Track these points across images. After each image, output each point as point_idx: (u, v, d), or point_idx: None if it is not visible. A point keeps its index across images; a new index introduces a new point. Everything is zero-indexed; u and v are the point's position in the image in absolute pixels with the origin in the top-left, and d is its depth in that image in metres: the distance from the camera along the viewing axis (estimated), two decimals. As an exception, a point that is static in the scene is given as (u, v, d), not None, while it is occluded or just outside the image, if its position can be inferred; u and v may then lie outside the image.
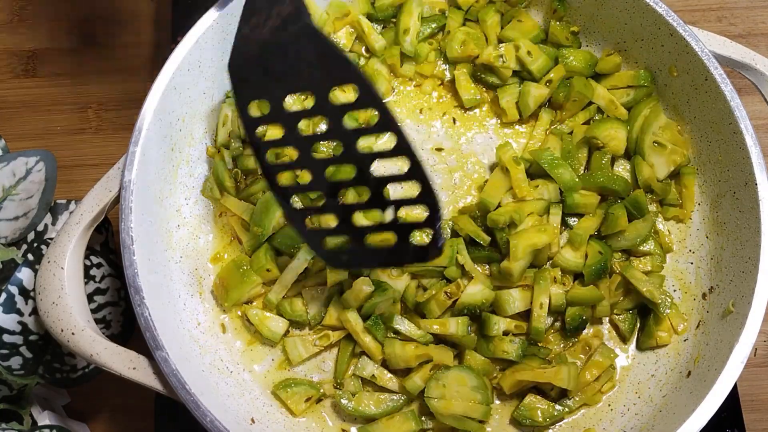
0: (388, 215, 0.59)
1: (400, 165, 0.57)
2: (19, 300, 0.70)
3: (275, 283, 0.74)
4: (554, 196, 0.75)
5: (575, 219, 0.76)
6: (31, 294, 0.70)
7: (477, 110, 0.82)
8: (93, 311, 0.73)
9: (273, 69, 0.57)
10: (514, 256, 0.70)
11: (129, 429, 0.81)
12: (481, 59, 0.80)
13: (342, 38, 0.81)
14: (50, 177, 0.77)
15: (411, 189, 0.58)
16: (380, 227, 0.61)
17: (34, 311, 0.70)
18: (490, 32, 0.82)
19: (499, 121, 0.82)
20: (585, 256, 0.74)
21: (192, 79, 0.73)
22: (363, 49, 0.82)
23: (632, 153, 0.78)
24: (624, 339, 0.74)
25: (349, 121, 0.56)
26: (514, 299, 0.71)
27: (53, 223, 0.80)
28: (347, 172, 0.60)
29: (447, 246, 0.71)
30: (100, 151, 0.90)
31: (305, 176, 0.60)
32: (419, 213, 0.59)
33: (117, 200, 0.67)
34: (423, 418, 0.71)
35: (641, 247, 0.75)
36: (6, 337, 0.69)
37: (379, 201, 0.59)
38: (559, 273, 0.72)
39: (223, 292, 0.73)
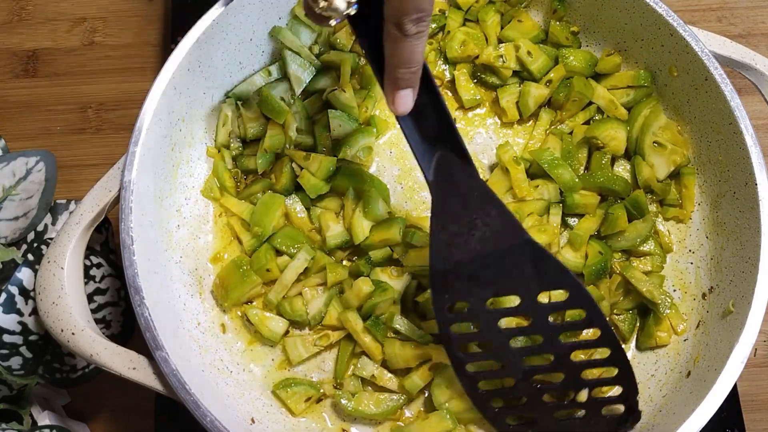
0: (583, 396, 0.62)
1: (603, 353, 0.59)
2: (19, 300, 0.70)
3: (275, 283, 0.74)
4: (554, 196, 0.75)
5: (575, 219, 0.76)
6: (31, 294, 0.70)
7: (477, 110, 0.82)
8: (93, 311, 0.73)
9: (481, 276, 0.59)
10: None
11: (129, 429, 0.81)
12: (481, 59, 0.80)
13: (341, 38, 0.81)
14: (50, 177, 0.77)
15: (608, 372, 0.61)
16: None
17: (34, 311, 0.70)
18: (490, 32, 0.82)
19: (498, 121, 0.82)
20: (585, 256, 0.74)
21: (192, 79, 0.73)
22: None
23: (632, 153, 0.78)
24: (624, 339, 0.74)
25: (553, 317, 0.60)
26: (514, 299, 0.71)
27: (53, 223, 0.80)
28: (545, 359, 0.62)
29: None
30: (100, 151, 0.90)
31: (498, 365, 0.63)
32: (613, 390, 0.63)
33: (117, 200, 0.67)
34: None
35: (641, 248, 0.75)
36: (6, 337, 0.69)
37: (574, 382, 0.62)
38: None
39: (223, 292, 0.73)
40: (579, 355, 0.67)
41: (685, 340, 0.73)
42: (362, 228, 0.73)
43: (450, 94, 0.83)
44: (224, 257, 0.76)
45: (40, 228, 0.79)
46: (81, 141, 0.91)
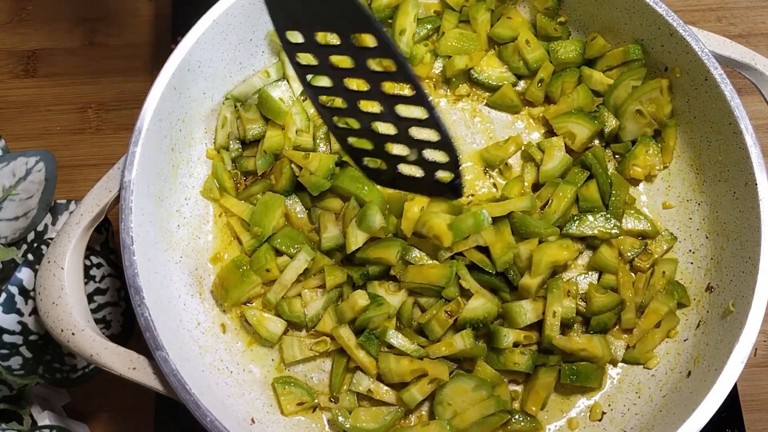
0: (413, 154, 0.64)
1: (419, 113, 0.60)
2: (19, 300, 0.70)
3: (275, 283, 0.73)
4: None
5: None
6: (31, 294, 0.70)
7: (477, 118, 0.82)
8: (93, 311, 0.73)
9: (304, 4, 0.59)
10: (536, 271, 0.70)
11: (129, 429, 0.81)
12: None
13: (336, 39, 0.80)
14: (50, 177, 0.77)
15: (429, 134, 0.61)
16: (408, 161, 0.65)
17: (34, 311, 0.70)
18: (480, 30, 0.82)
19: (494, 126, 0.82)
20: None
21: (192, 79, 0.73)
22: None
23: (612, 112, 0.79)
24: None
25: (374, 65, 0.59)
26: (526, 311, 0.71)
27: (53, 223, 0.80)
28: (375, 106, 0.63)
29: (446, 266, 0.70)
30: (100, 151, 0.90)
31: (341, 103, 0.64)
32: (441, 155, 0.62)
33: (117, 200, 0.67)
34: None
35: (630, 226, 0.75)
36: (6, 337, 0.69)
37: (407, 139, 0.63)
38: (575, 287, 0.72)
39: (223, 291, 0.73)
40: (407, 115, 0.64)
41: (685, 340, 0.73)
42: (355, 238, 0.72)
43: (444, 91, 0.83)
44: (224, 257, 0.76)
45: (40, 228, 0.79)
46: (81, 141, 0.91)
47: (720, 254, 0.73)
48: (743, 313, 0.66)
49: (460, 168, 0.63)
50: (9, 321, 0.69)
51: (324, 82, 0.64)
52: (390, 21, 0.83)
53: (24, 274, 0.70)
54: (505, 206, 0.73)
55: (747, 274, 0.68)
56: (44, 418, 0.74)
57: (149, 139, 0.68)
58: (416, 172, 0.65)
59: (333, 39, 0.60)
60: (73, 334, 0.64)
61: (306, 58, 0.63)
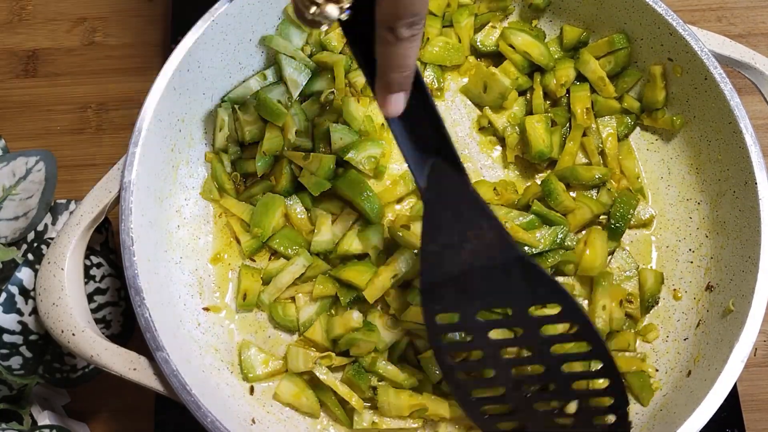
0: (572, 407, 0.62)
1: (594, 365, 0.60)
2: (19, 300, 0.70)
3: (269, 285, 0.73)
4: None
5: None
6: (31, 294, 0.70)
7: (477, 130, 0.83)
8: (93, 311, 0.73)
9: (471, 289, 0.59)
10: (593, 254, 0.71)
11: (129, 429, 0.81)
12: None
13: (333, 40, 0.81)
14: (50, 177, 0.77)
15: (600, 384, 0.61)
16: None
17: (34, 311, 0.70)
18: (463, 35, 0.81)
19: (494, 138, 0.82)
20: None
21: (192, 79, 0.73)
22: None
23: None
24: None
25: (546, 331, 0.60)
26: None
27: (53, 223, 0.80)
28: (535, 369, 0.62)
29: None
30: (100, 151, 0.90)
31: (489, 373, 0.63)
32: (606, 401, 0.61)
33: (117, 201, 0.67)
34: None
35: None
36: (6, 337, 0.69)
37: (564, 392, 0.62)
38: (626, 293, 0.73)
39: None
40: (572, 366, 0.67)
41: (685, 339, 0.73)
42: (349, 244, 0.72)
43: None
44: (224, 258, 0.76)
45: (40, 228, 0.79)
46: (81, 141, 0.91)
47: (720, 253, 0.73)
48: (743, 312, 0.66)
49: (628, 408, 0.61)
50: (9, 321, 0.69)
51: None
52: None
53: (24, 274, 0.70)
54: None
55: (747, 273, 0.68)
56: (44, 418, 0.74)
57: (149, 140, 0.68)
58: (566, 423, 0.63)
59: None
60: (73, 335, 0.64)
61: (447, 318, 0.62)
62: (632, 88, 0.81)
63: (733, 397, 0.76)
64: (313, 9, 0.53)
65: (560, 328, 0.66)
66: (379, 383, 0.70)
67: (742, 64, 0.74)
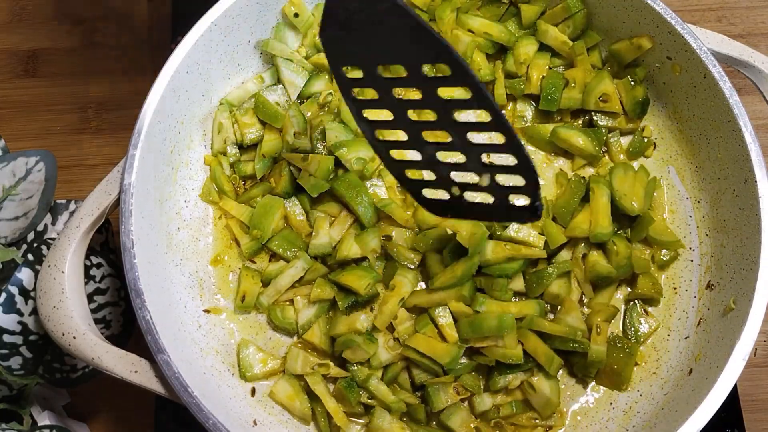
0: (485, 180, 0.61)
1: (495, 138, 0.57)
2: (19, 300, 0.70)
3: (268, 287, 0.73)
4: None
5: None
6: (31, 294, 0.70)
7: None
8: (93, 311, 0.73)
9: (364, 39, 0.57)
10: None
11: (129, 429, 0.81)
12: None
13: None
14: (50, 177, 0.77)
15: (506, 159, 0.58)
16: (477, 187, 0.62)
17: (34, 311, 0.70)
18: (446, 29, 0.81)
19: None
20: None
21: (191, 81, 0.73)
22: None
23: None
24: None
25: (444, 92, 0.57)
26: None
27: (53, 223, 0.80)
28: (443, 136, 0.60)
29: (455, 346, 0.69)
30: (100, 151, 0.90)
31: (401, 136, 0.62)
32: (516, 179, 0.59)
33: (117, 203, 0.67)
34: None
35: None
36: (6, 337, 0.69)
37: (477, 165, 0.60)
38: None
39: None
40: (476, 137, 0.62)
41: (686, 338, 0.73)
42: (348, 249, 0.72)
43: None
44: (224, 259, 0.76)
45: (40, 228, 0.79)
46: (81, 141, 0.91)
47: (720, 252, 0.73)
48: (744, 310, 0.66)
49: (539, 190, 0.59)
50: (9, 321, 0.69)
51: (382, 115, 0.61)
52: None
53: (24, 275, 0.70)
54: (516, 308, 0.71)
55: (747, 272, 0.68)
56: (44, 418, 0.74)
57: (149, 142, 0.68)
58: (486, 198, 0.62)
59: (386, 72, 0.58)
60: (74, 338, 0.64)
61: (362, 93, 0.61)
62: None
63: (733, 397, 0.76)
64: None
65: (456, 93, 0.64)
66: (369, 400, 0.70)
67: (741, 62, 0.74)
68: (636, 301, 0.74)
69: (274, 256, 0.76)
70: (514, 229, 0.72)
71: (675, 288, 0.76)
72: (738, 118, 0.70)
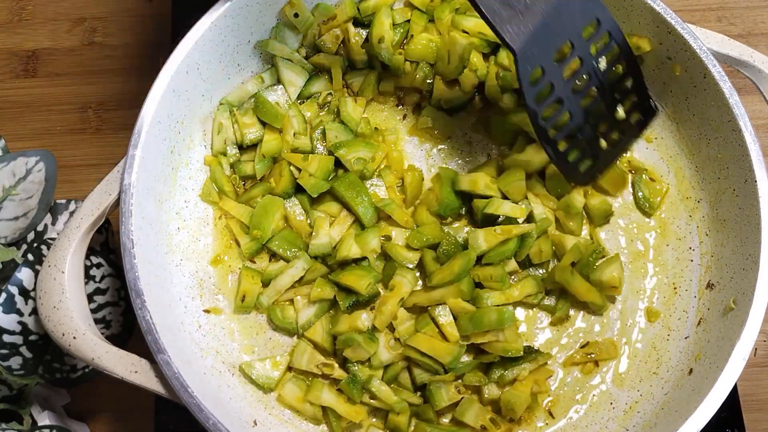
0: (621, 112, 0.74)
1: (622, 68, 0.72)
2: (19, 300, 0.70)
3: (268, 287, 0.73)
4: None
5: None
6: (31, 294, 0.70)
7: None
8: (93, 311, 0.73)
9: (544, 34, 0.66)
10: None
11: (129, 429, 0.81)
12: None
13: (327, 42, 0.80)
14: (50, 177, 0.77)
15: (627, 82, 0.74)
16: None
17: (34, 311, 0.70)
18: (444, 30, 0.81)
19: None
20: None
21: (191, 81, 0.73)
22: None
23: None
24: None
25: (593, 50, 0.69)
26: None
27: (53, 223, 0.80)
28: (592, 96, 0.72)
29: (456, 346, 0.69)
30: (100, 151, 0.90)
31: (566, 116, 0.71)
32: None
33: (117, 203, 0.67)
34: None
35: None
36: (6, 337, 0.69)
37: (612, 102, 0.73)
38: None
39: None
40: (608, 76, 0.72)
41: (686, 338, 0.73)
42: (348, 249, 0.72)
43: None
44: (224, 259, 0.76)
45: (40, 228, 0.79)
46: (81, 141, 0.91)
47: (720, 251, 0.73)
48: (744, 310, 0.66)
49: (649, 99, 0.74)
50: (9, 321, 0.69)
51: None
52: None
53: (24, 275, 0.70)
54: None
55: (747, 271, 0.68)
56: (44, 418, 0.74)
57: (148, 142, 0.68)
58: (615, 138, 0.74)
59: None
60: (74, 338, 0.64)
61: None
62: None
63: (733, 397, 0.76)
64: None
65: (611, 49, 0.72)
66: (371, 401, 0.70)
67: (740, 62, 0.74)
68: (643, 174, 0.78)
69: (274, 256, 0.76)
70: (494, 208, 0.73)
71: (675, 288, 0.76)
72: (738, 118, 0.70)
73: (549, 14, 0.65)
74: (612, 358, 0.73)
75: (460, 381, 0.71)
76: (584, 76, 0.70)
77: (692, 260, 0.76)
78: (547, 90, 0.68)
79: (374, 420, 0.71)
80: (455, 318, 0.71)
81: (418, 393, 0.71)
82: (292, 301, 0.74)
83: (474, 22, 0.80)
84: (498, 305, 0.71)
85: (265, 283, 0.74)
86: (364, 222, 0.74)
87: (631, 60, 0.72)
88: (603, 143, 0.74)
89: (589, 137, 0.73)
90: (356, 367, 0.70)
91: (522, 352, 0.69)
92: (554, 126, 0.71)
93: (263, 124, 0.78)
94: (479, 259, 0.72)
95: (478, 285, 0.72)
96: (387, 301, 0.71)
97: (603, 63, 0.71)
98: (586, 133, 0.73)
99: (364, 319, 0.70)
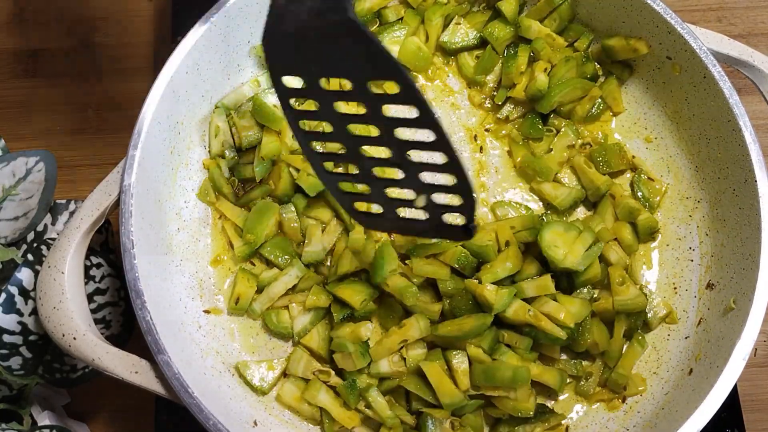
0: (421, 200, 0.61)
1: (437, 158, 0.56)
2: (19, 300, 0.70)
3: (261, 294, 0.73)
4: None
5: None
6: (31, 294, 0.70)
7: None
8: (93, 311, 0.73)
9: (309, 50, 0.56)
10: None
11: (129, 429, 0.81)
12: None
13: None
14: (50, 177, 0.77)
15: (446, 179, 0.58)
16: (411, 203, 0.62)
17: (34, 311, 0.70)
18: (432, 33, 0.81)
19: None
20: None
21: (191, 82, 0.73)
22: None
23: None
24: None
25: (389, 110, 0.56)
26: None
27: (53, 223, 0.80)
28: (384, 152, 0.60)
29: (462, 395, 0.67)
30: (100, 151, 0.90)
31: (336, 147, 0.62)
32: (453, 198, 0.59)
33: (117, 204, 0.67)
34: None
35: None
36: (6, 337, 0.69)
37: (414, 184, 0.60)
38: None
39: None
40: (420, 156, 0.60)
41: (686, 338, 0.73)
42: (348, 265, 0.72)
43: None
44: (224, 260, 0.76)
45: (40, 228, 0.79)
46: (81, 141, 0.91)
47: (720, 251, 0.73)
48: (744, 310, 0.66)
49: (476, 211, 0.59)
50: (9, 321, 0.69)
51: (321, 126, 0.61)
52: (377, 21, 0.83)
53: (24, 275, 0.70)
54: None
55: (748, 271, 0.68)
56: (44, 418, 0.74)
57: (148, 143, 0.68)
58: (420, 215, 0.62)
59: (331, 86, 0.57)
60: (74, 338, 0.64)
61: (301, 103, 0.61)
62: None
63: (733, 397, 0.76)
64: None
65: (403, 110, 0.59)
66: (366, 409, 0.69)
67: (740, 62, 0.74)
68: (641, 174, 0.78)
69: (269, 262, 0.76)
70: (542, 301, 0.69)
71: (675, 288, 0.76)
72: (738, 118, 0.70)
73: (320, 29, 0.54)
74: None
75: (457, 419, 0.69)
76: (375, 129, 0.58)
77: (692, 260, 0.76)
78: (310, 104, 0.61)
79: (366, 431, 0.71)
80: (470, 363, 0.69)
81: (414, 415, 0.70)
82: (287, 306, 0.74)
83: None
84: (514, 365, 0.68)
85: (259, 290, 0.74)
86: (350, 225, 0.74)
87: (450, 155, 0.56)
88: (388, 206, 0.63)
89: (375, 188, 0.62)
90: (358, 377, 0.70)
91: (533, 413, 0.67)
92: (319, 142, 0.63)
93: (261, 126, 0.78)
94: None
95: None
96: (392, 335, 0.70)
97: (407, 133, 0.58)
98: (367, 182, 0.62)
99: (369, 327, 0.70)
